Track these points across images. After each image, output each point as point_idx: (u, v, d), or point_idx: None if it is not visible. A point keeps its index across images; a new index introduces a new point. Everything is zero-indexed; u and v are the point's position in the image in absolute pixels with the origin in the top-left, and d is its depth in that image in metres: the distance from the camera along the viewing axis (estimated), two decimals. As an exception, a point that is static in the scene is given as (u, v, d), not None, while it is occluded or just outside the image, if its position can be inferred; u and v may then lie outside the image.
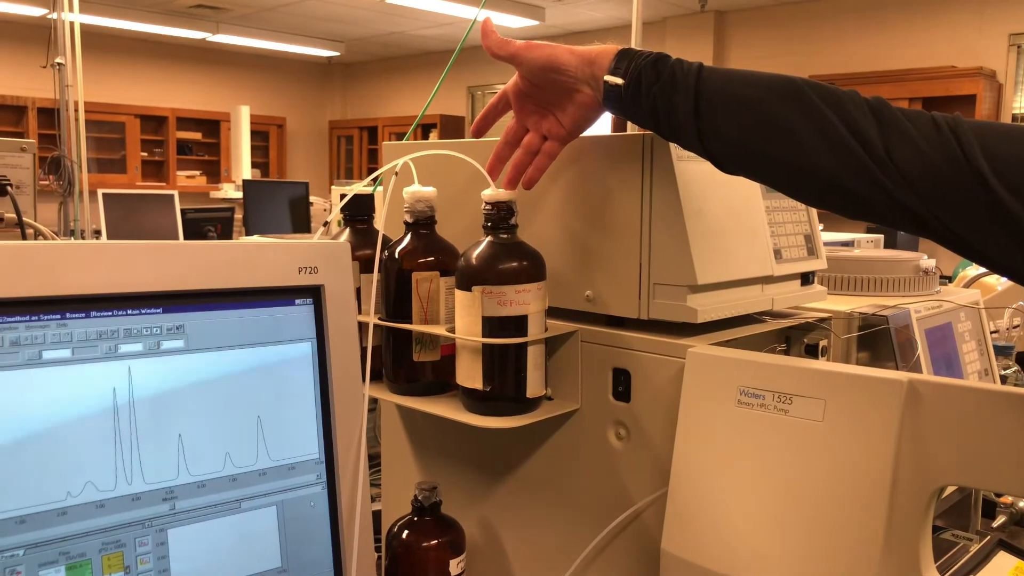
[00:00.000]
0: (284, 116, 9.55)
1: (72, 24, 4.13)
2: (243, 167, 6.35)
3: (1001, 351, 1.68)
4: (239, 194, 5.69)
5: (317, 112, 9.98)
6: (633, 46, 2.51)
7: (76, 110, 4.11)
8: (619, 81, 0.78)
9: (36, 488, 0.55)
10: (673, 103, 0.75)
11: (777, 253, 0.93)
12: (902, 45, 5.64)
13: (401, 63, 9.23)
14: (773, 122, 0.71)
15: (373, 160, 9.35)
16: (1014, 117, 5.33)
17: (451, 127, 8.55)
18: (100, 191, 4.64)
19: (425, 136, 8.80)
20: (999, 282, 2.06)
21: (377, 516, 1.18)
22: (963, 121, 0.67)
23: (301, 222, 5.11)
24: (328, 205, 5.45)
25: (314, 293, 0.70)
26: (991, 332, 1.95)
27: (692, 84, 0.74)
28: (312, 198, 5.43)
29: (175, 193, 4.91)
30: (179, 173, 8.73)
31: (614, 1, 6.31)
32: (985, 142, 0.64)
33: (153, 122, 8.66)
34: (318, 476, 0.69)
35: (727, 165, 0.77)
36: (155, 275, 0.60)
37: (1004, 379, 1.79)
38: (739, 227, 0.89)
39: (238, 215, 5.31)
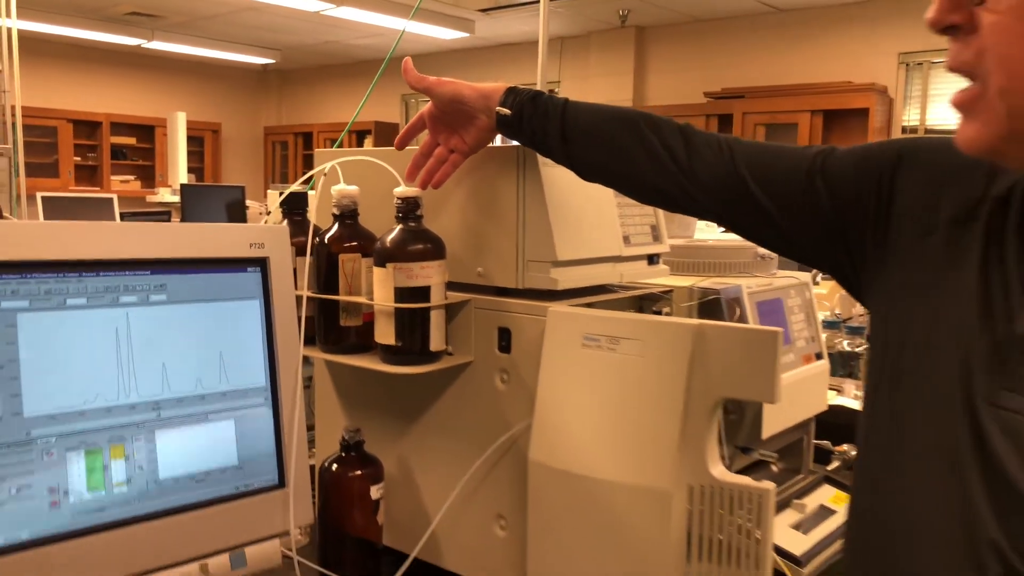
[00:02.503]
0: (219, 122, 9.63)
1: (9, 31, 4.23)
2: (179, 172, 6.45)
3: (830, 325, 1.98)
4: (175, 198, 5.80)
5: (252, 118, 10.07)
6: (539, 60, 2.77)
7: (13, 115, 4.21)
8: (507, 112, 1.04)
9: (63, 395, 0.77)
10: (547, 130, 1.02)
11: (626, 239, 1.19)
12: (804, 61, 6.05)
13: (336, 71, 9.39)
14: (616, 146, 0.99)
15: (308, 165, 9.47)
16: (904, 129, 5.77)
17: (385, 133, 8.75)
18: (39, 194, 4.73)
19: (360, 141, 8.98)
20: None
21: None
22: (737, 141, 0.94)
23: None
24: (264, 208, 5.59)
25: (262, 263, 0.93)
26: (847, 319, 2.27)
27: (559, 116, 1.01)
28: (248, 201, 5.58)
29: (114, 197, 5.02)
30: (113, 178, 8.74)
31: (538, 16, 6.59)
32: (747, 157, 0.92)
33: (87, 127, 8.65)
34: (265, 399, 0.92)
35: (586, 176, 1.05)
36: (146, 247, 0.83)
37: (856, 356, 2.11)
38: (593, 218, 1.15)
39: (175, 218, 5.43)
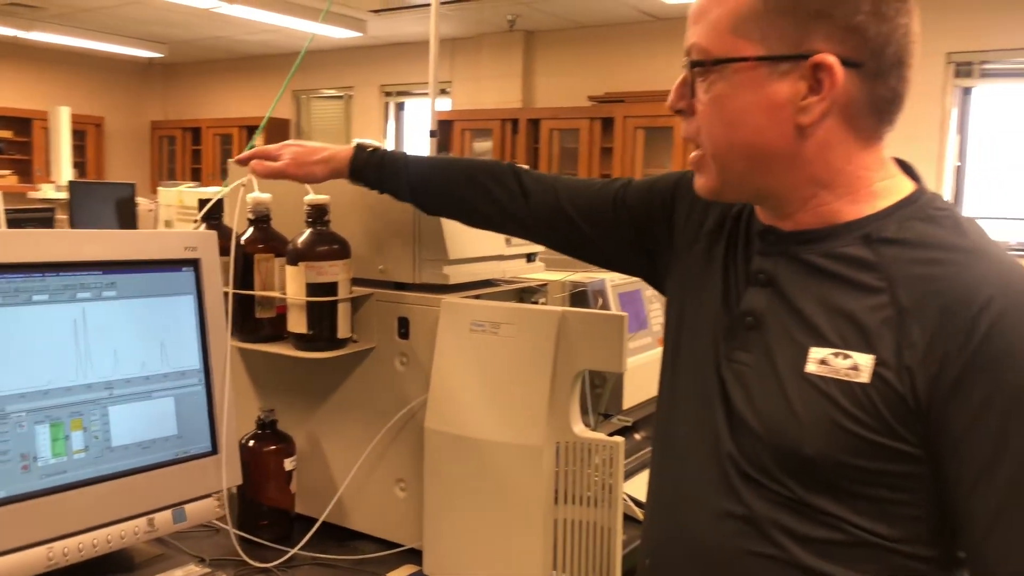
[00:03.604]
0: (102, 116, 9.37)
1: None
2: (64, 168, 6.30)
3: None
4: (60, 195, 5.69)
5: (137, 112, 9.83)
6: (431, 62, 2.95)
7: None
8: (361, 183, 1.25)
9: (31, 377, 0.92)
10: (398, 188, 1.24)
11: (508, 240, 1.40)
12: (680, 68, 6.43)
13: (225, 66, 9.29)
14: (458, 196, 1.22)
15: (197, 161, 9.34)
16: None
17: (277, 130, 8.73)
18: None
19: (250, 137, 8.91)
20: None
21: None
22: (558, 179, 1.19)
23: (128, 222, 5.23)
24: (154, 206, 5.54)
25: (195, 264, 1.09)
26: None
27: (405, 174, 1.22)
28: (137, 199, 5.53)
29: (-2, 193, 4.90)
30: (-13, 172, 8.41)
31: (430, 17, 6.75)
32: (569, 194, 1.16)
33: (-44, 120, 8.30)
34: (199, 380, 1.08)
35: (437, 215, 1.28)
36: (98, 250, 0.98)
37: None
38: (479, 222, 1.35)
39: (60, 215, 5.35)
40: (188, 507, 1.05)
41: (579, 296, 1.50)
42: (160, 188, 4.57)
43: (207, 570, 1.06)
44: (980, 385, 0.74)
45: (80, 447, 0.95)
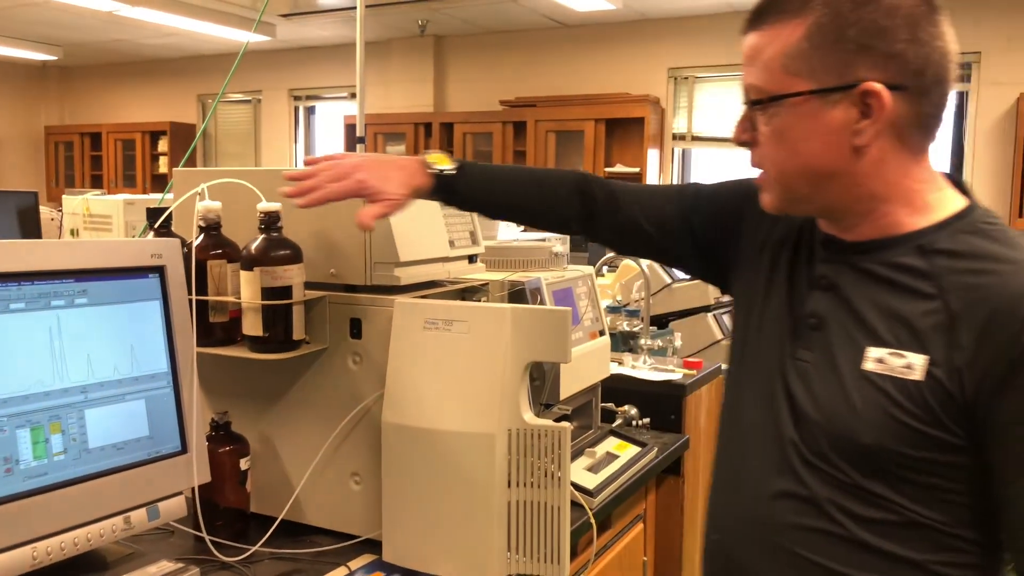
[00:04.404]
0: (-9, 121, 8.97)
1: None
2: (-45, 176, 6.00)
3: (613, 309, 2.37)
4: (-47, 204, 5.43)
5: (30, 117, 9.44)
6: (357, 65, 2.98)
7: None
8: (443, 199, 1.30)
9: (11, 382, 0.95)
10: (466, 201, 1.30)
11: (451, 242, 1.48)
12: (588, 74, 6.60)
13: (126, 69, 9.01)
14: (523, 208, 1.34)
15: (97, 167, 9.02)
16: (674, 136, 6.46)
17: (182, 134, 8.54)
18: None
19: (155, 143, 8.70)
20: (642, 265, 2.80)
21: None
22: (627, 187, 1.31)
23: (31, 232, 5.04)
24: (56, 215, 5.36)
25: (160, 271, 1.13)
26: (626, 304, 2.68)
27: (472, 186, 1.28)
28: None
29: None
30: None
31: (340, 22, 6.75)
32: (637, 200, 1.27)
33: None
34: (168, 383, 1.12)
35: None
36: (69, 259, 1.01)
37: (634, 335, 2.51)
38: (426, 227, 1.42)
39: (-46, 226, 5.11)
40: (161, 505, 1.09)
41: (517, 294, 1.59)
42: (65, 196, 4.44)
43: (180, 565, 1.10)
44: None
45: (60, 449, 0.99)
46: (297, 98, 8.24)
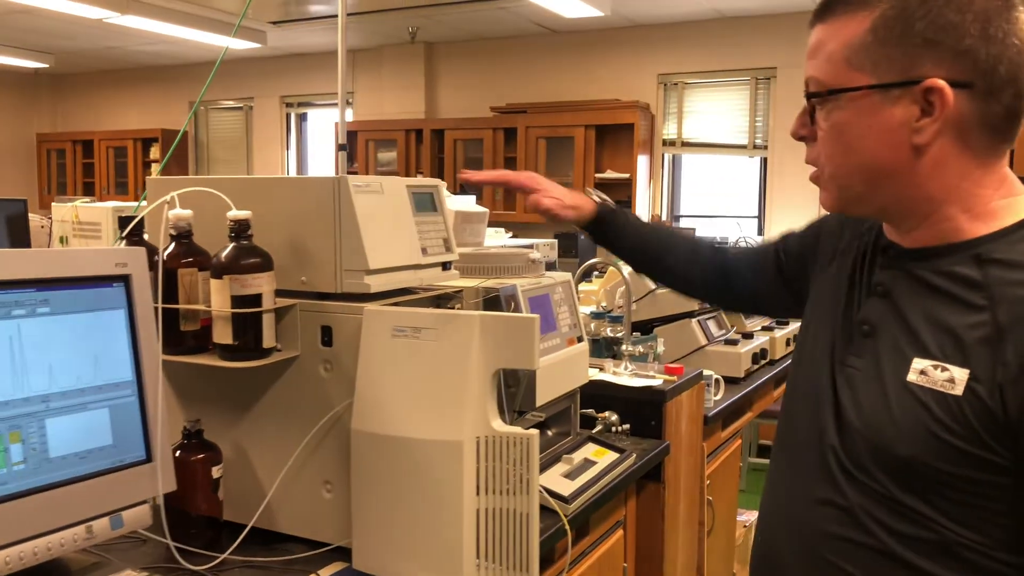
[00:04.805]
0: (-17, 128, 8.96)
1: None
2: (-55, 184, 5.99)
3: (597, 315, 2.37)
4: (-58, 212, 5.42)
5: (22, 124, 9.43)
6: (339, 72, 3.00)
7: None
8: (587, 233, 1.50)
9: (-30, 392, 0.95)
10: (622, 248, 1.49)
11: (424, 250, 1.48)
12: (579, 80, 6.62)
13: (118, 76, 9.02)
14: (667, 265, 1.52)
15: (89, 175, 9.01)
16: (665, 142, 6.47)
17: (173, 141, 8.52)
18: None
19: (147, 150, 8.70)
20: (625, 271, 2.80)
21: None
22: (747, 252, 1.44)
23: (20, 240, 5.03)
24: (46, 222, 5.35)
25: (126, 279, 1.13)
26: (610, 310, 2.67)
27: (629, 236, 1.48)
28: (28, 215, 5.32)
29: None
30: None
31: (331, 29, 6.75)
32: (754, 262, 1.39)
33: None
34: (132, 391, 1.12)
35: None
36: (31, 269, 1.01)
37: (618, 340, 2.50)
38: (396, 233, 1.42)
39: (-56, 234, 5.10)
40: (125, 514, 1.09)
41: (492, 301, 1.59)
42: (55, 204, 4.43)
43: (144, 574, 1.10)
44: None
45: (19, 459, 0.99)
46: (289, 105, 8.25)
